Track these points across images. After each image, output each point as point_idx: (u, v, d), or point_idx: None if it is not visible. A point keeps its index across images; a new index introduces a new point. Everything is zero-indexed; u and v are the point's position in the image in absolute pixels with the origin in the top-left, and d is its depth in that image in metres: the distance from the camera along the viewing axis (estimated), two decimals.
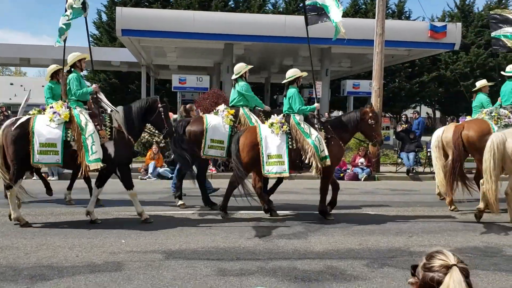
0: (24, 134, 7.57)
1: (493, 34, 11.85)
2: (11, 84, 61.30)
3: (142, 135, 10.09)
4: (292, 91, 8.72)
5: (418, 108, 46.43)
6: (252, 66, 10.31)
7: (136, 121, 8.11)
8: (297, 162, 8.49)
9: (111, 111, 8.32)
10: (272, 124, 8.49)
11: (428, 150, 15.96)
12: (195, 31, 19.95)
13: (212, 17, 21.24)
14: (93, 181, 9.57)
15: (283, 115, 8.69)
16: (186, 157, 9.07)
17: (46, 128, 7.65)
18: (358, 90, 25.36)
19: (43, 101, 9.78)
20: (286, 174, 8.50)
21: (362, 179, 14.48)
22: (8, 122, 7.92)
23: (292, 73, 8.86)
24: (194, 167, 9.55)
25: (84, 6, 9.28)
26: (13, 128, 7.61)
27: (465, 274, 2.02)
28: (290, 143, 8.42)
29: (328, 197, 8.84)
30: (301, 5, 41.37)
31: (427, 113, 51.55)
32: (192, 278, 5.33)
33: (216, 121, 9.27)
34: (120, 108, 8.24)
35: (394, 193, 12.30)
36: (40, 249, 6.34)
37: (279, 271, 5.64)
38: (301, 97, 8.78)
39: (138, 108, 8.18)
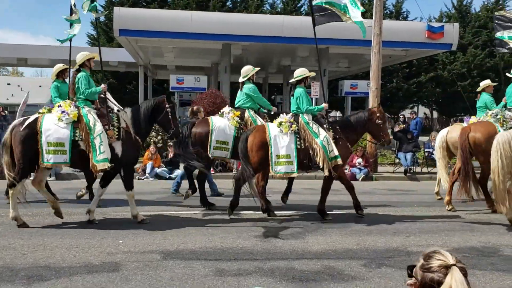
0: (32, 134, 7.58)
1: (497, 35, 11.89)
2: (8, 84, 61.13)
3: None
4: (299, 90, 8.73)
5: (415, 109, 46.55)
6: (258, 68, 10.34)
7: (143, 121, 8.13)
8: (305, 162, 8.51)
9: (118, 110, 8.34)
10: (280, 123, 8.49)
11: (426, 150, 16.02)
12: (192, 31, 19.92)
13: (209, 17, 21.23)
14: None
15: (292, 115, 8.70)
16: (189, 161, 9.13)
17: (54, 128, 7.64)
18: (356, 91, 25.36)
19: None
20: (295, 174, 8.54)
21: (360, 179, 14.49)
22: (16, 122, 7.92)
23: (300, 72, 8.86)
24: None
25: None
26: (21, 128, 7.62)
27: (464, 273, 2.02)
28: (298, 142, 8.43)
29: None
30: (299, 5, 41.70)
31: (424, 113, 51.60)
32: (190, 279, 5.33)
33: (222, 123, 9.31)
34: (128, 109, 8.27)
35: (391, 193, 12.32)
36: (37, 250, 6.33)
37: (277, 271, 5.64)
38: (308, 96, 8.79)
39: (145, 108, 8.19)
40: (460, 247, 6.82)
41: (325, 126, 8.66)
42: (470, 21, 41.45)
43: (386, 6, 38.55)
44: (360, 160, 14.86)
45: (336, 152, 8.31)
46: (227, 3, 39.40)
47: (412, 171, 15.67)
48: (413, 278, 2.14)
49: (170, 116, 8.24)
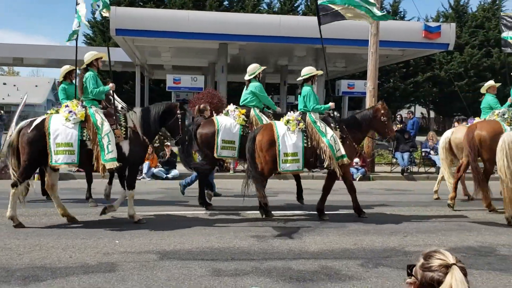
0: (40, 136, 7.57)
1: (503, 35, 11.92)
2: (4, 84, 61.02)
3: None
4: (307, 89, 8.74)
5: (412, 108, 46.65)
6: (265, 67, 10.32)
7: (152, 123, 8.14)
8: (311, 160, 8.53)
9: (122, 107, 8.35)
10: (288, 121, 8.50)
11: (423, 150, 16.04)
12: (189, 31, 19.91)
13: (206, 17, 21.20)
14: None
15: (299, 113, 8.71)
16: (189, 164, 9.22)
17: (62, 128, 7.63)
18: (353, 90, 25.40)
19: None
20: (301, 171, 8.63)
21: (357, 179, 14.48)
22: (23, 123, 7.89)
23: (307, 71, 8.88)
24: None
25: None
26: (29, 130, 7.61)
27: (464, 273, 2.02)
28: (305, 141, 8.44)
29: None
30: (296, 5, 41.71)
31: (421, 113, 51.75)
32: (187, 279, 5.31)
33: (227, 122, 9.29)
34: (137, 109, 8.31)
35: (389, 193, 12.32)
36: (33, 250, 6.30)
37: (274, 271, 5.63)
38: (316, 95, 8.79)
39: (156, 111, 8.20)
40: (457, 246, 6.83)
41: (332, 125, 8.67)
42: (467, 21, 41.57)
43: (383, 6, 38.57)
44: (357, 160, 14.85)
45: (343, 152, 8.34)
46: (224, 3, 39.42)
47: (409, 171, 15.68)
48: (413, 277, 2.13)
49: (179, 122, 8.25)
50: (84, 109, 7.85)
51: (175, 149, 14.18)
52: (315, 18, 9.87)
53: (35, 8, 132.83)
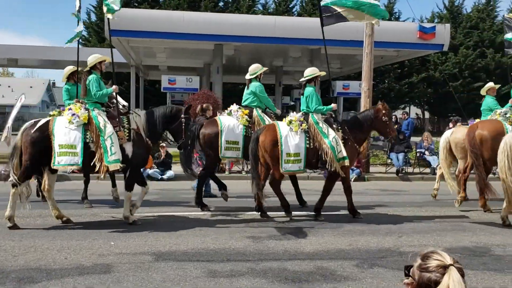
0: (43, 137, 7.60)
1: (506, 36, 11.98)
2: None
3: None
4: (309, 90, 8.77)
5: (407, 109, 46.76)
6: (267, 68, 10.35)
7: (156, 126, 8.17)
8: (313, 161, 8.57)
9: (123, 105, 8.36)
10: (290, 122, 8.52)
11: (418, 150, 16.08)
12: (185, 32, 19.92)
13: (202, 18, 21.22)
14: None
15: (302, 113, 8.73)
16: (187, 168, 9.32)
17: (65, 130, 7.67)
18: (348, 91, 25.45)
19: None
20: (302, 171, 8.68)
21: (352, 179, 14.47)
22: (27, 124, 7.92)
23: (310, 71, 8.92)
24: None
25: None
26: (32, 131, 7.64)
27: (461, 273, 2.03)
28: (308, 141, 8.46)
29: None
30: (291, 5, 41.75)
31: (416, 113, 51.87)
32: (182, 280, 5.31)
33: (230, 122, 9.28)
34: (142, 112, 8.35)
35: (383, 194, 12.35)
36: (28, 252, 6.28)
37: (270, 272, 5.63)
38: (318, 96, 8.82)
39: (161, 114, 8.23)
40: (452, 247, 6.85)
41: (334, 126, 8.69)
42: (461, 22, 41.73)
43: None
44: None
45: (344, 153, 8.38)
46: (219, 4, 39.40)
47: (404, 171, 15.72)
48: (410, 278, 2.14)
49: (183, 127, 8.27)
50: (87, 111, 7.90)
51: (171, 150, 14.18)
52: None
53: (29, 8, 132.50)
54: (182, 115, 8.25)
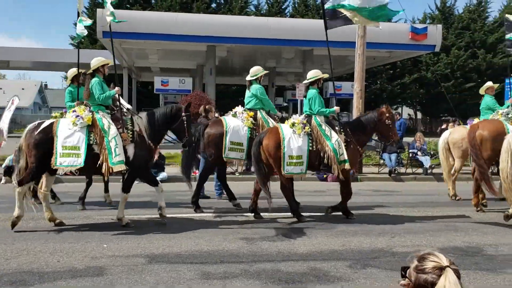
0: (47, 139, 7.62)
1: (507, 36, 12.06)
2: None
3: None
4: (312, 92, 8.80)
5: (399, 110, 46.92)
6: (268, 71, 10.37)
7: (159, 127, 8.17)
8: (315, 163, 8.60)
9: (127, 109, 8.40)
10: (293, 124, 8.54)
11: (410, 151, 16.13)
12: (177, 33, 19.90)
13: (194, 19, 21.21)
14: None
15: (305, 116, 8.76)
16: (186, 172, 9.42)
17: (69, 132, 7.70)
18: (340, 92, 25.48)
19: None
20: (304, 175, 8.72)
21: None
22: (31, 126, 7.95)
23: (313, 74, 8.96)
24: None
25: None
26: (36, 133, 7.66)
27: (458, 275, 2.04)
28: (310, 144, 8.49)
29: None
30: (283, 7, 41.80)
31: (408, 114, 52.06)
32: (176, 282, 5.31)
33: (235, 123, 9.31)
34: (143, 114, 8.36)
35: (376, 194, 12.38)
36: (21, 255, 6.25)
37: (263, 273, 5.64)
38: (321, 98, 8.84)
39: (161, 114, 8.22)
40: (445, 247, 6.88)
41: (337, 128, 8.72)
42: (453, 23, 41.94)
43: None
44: None
45: (345, 156, 8.40)
46: (212, 5, 39.39)
47: (396, 171, 15.76)
48: (407, 279, 2.15)
49: (185, 125, 8.25)
50: (91, 113, 7.93)
51: (164, 152, 14.16)
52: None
53: (21, 10, 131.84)
54: (183, 113, 8.24)
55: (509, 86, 17.54)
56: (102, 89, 8.11)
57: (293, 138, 8.41)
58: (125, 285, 5.18)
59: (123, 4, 36.83)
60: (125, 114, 8.34)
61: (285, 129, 8.54)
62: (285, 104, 38.35)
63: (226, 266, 5.88)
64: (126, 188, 8.14)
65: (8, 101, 14.21)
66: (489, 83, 11.11)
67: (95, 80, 8.13)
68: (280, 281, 5.39)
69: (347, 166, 8.43)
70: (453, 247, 6.96)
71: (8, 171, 12.47)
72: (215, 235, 7.46)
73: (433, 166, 15.89)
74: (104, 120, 7.87)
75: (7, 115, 13.23)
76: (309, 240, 7.27)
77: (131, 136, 7.98)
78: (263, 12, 40.51)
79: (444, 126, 20.80)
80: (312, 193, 11.73)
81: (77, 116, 7.82)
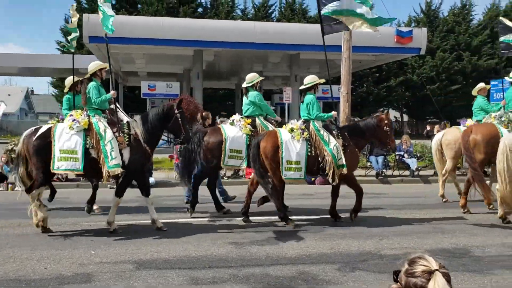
0: (45, 144, 7.65)
1: (501, 38, 12.19)
2: None
3: None
4: (310, 97, 8.85)
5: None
6: (264, 78, 10.41)
7: (153, 129, 8.12)
8: (314, 168, 8.64)
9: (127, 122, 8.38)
10: (292, 130, 8.56)
11: (397, 153, 16.21)
12: (164, 38, 19.84)
13: (181, 24, 21.18)
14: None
15: (303, 121, 8.80)
16: (185, 178, 9.36)
17: (66, 136, 7.73)
18: (327, 95, 25.53)
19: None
20: (303, 181, 8.79)
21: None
22: (28, 132, 7.97)
23: (310, 79, 9.02)
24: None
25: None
26: (34, 138, 7.70)
27: (447, 279, 2.06)
28: (309, 149, 8.52)
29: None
30: (270, 11, 41.89)
31: (395, 116, 52.30)
32: None
33: (234, 131, 9.35)
34: (137, 117, 8.36)
35: (364, 197, 12.38)
36: (7, 262, 6.19)
37: (252, 278, 5.63)
38: (318, 103, 8.90)
39: (155, 115, 8.17)
40: (432, 249, 6.92)
41: (334, 133, 8.76)
42: (438, 26, 42.31)
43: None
44: None
45: (343, 161, 8.44)
46: (198, 9, 39.36)
47: (383, 174, 15.85)
48: (398, 283, 2.17)
49: (180, 122, 8.20)
50: (87, 117, 7.95)
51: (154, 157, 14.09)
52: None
53: (6, 15, 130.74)
54: (176, 111, 8.19)
55: (501, 87, 17.74)
56: (98, 93, 8.12)
57: (291, 143, 8.44)
58: None
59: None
60: (121, 118, 8.34)
61: (283, 133, 8.57)
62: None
63: (214, 271, 5.87)
64: (120, 192, 8.11)
65: None
66: (482, 84, 11.25)
67: (92, 84, 8.16)
68: (269, 285, 5.40)
69: (344, 170, 8.47)
70: (440, 249, 7.01)
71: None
72: (204, 240, 7.45)
73: (419, 168, 16.00)
74: (100, 123, 7.87)
75: None
76: (297, 243, 7.28)
77: (127, 139, 7.96)
78: (250, 17, 40.54)
79: (429, 128, 20.99)
80: (300, 196, 11.74)
81: (74, 120, 7.84)
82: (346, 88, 15.62)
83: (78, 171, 7.97)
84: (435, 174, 15.99)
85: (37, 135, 7.72)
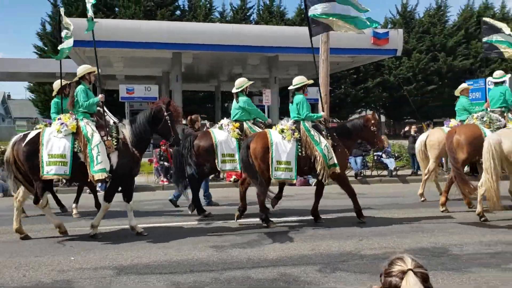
0: (35, 150, 7.58)
1: (484, 39, 12.35)
2: None
3: None
4: (299, 97, 8.91)
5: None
6: (253, 82, 10.49)
7: (143, 133, 8.07)
8: (305, 168, 8.69)
9: (114, 122, 8.33)
10: (282, 130, 8.59)
11: (375, 154, 16.37)
12: (142, 41, 19.72)
13: (159, 27, 21.06)
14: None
15: (293, 122, 8.83)
16: (179, 180, 9.51)
17: (54, 139, 7.66)
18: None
19: None
20: (293, 181, 8.81)
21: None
22: (17, 138, 7.90)
23: (299, 80, 9.12)
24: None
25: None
26: (23, 144, 7.62)
27: (424, 278, 2.11)
28: (300, 150, 8.55)
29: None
30: (248, 14, 41.91)
31: None
32: None
33: (224, 136, 9.43)
34: (126, 121, 8.34)
35: (343, 197, 12.39)
36: None
37: (233, 281, 5.64)
38: (308, 103, 8.95)
39: (143, 119, 8.11)
40: (412, 248, 6.99)
41: (324, 133, 8.80)
42: (414, 27, 42.73)
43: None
44: None
45: (335, 160, 8.51)
46: (176, 12, 39.20)
47: (362, 174, 15.99)
48: (380, 283, 2.23)
49: (169, 124, 8.15)
50: (75, 121, 7.89)
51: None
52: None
53: None
54: (165, 113, 8.15)
55: (477, 87, 18.05)
56: (86, 96, 8.05)
57: (281, 143, 8.50)
58: None
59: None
60: (109, 122, 8.29)
61: (273, 134, 8.62)
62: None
63: (196, 275, 5.86)
64: (108, 197, 8.05)
65: None
66: (464, 85, 11.48)
67: (80, 88, 8.10)
68: None
69: (337, 169, 8.54)
70: (420, 248, 7.08)
71: None
72: (184, 244, 7.43)
73: (397, 168, 16.19)
74: (88, 127, 7.80)
75: None
76: (278, 245, 7.30)
77: (115, 143, 7.90)
78: (228, 19, 40.50)
79: (407, 129, 21.22)
80: (296, 197, 11.75)
81: (62, 123, 7.79)
82: (325, 89, 15.67)
83: (66, 176, 7.91)
84: (413, 173, 16.24)
85: (26, 141, 7.63)
